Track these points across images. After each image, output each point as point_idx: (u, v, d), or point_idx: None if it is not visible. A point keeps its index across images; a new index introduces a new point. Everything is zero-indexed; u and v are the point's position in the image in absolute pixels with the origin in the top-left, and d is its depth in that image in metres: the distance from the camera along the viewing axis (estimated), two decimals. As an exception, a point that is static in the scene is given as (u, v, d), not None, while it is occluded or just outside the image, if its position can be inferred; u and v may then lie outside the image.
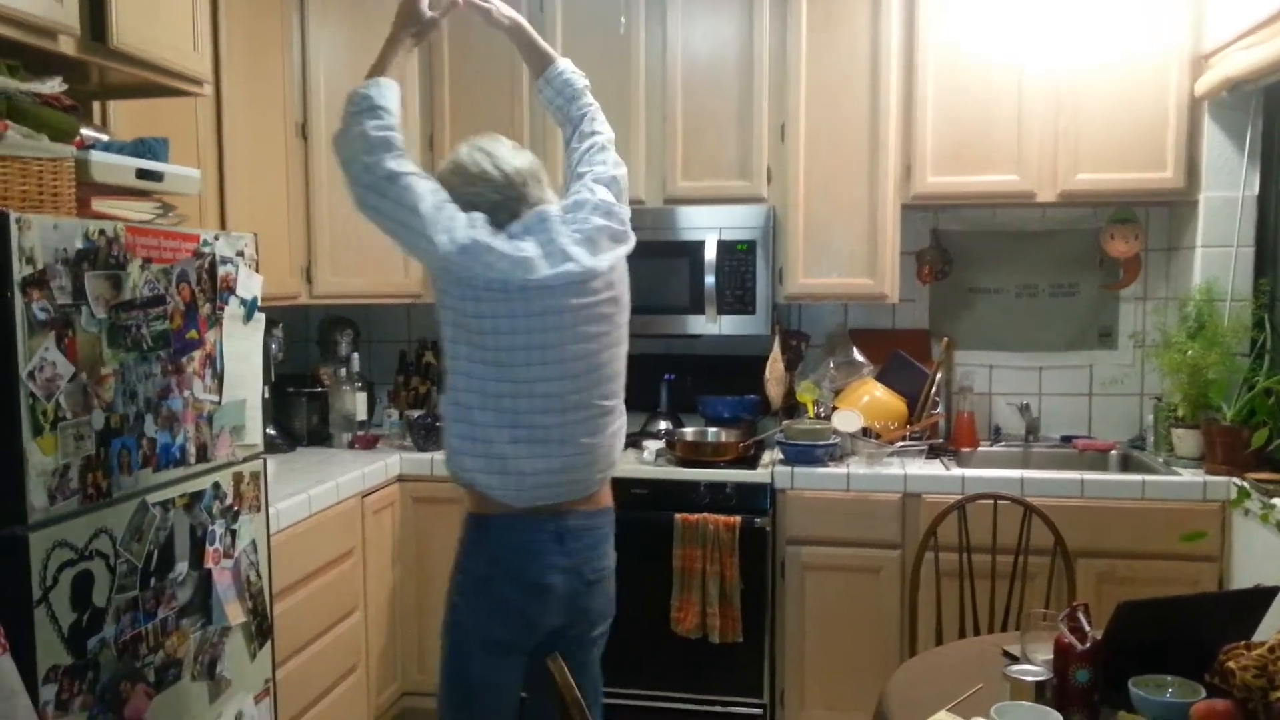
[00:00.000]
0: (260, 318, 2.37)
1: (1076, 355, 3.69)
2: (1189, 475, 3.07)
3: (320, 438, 3.68)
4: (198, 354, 2.13)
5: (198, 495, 2.14)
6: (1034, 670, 1.81)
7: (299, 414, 3.69)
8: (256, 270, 2.36)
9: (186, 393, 2.10)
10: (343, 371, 3.69)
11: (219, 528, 2.21)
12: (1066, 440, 3.63)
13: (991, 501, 2.82)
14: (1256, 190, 3.22)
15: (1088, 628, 1.76)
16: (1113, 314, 3.66)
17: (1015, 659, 2.05)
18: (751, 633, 3.19)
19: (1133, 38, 3.26)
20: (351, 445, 3.62)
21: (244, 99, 3.05)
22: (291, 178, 3.40)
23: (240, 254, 2.29)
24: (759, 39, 3.46)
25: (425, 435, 3.53)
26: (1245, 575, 2.90)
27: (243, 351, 2.31)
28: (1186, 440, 3.20)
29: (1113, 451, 3.52)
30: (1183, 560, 3.01)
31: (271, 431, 3.51)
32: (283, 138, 3.34)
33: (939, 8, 3.36)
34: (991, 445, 3.63)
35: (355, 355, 3.76)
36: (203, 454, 2.16)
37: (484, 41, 3.60)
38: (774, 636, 3.27)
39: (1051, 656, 1.87)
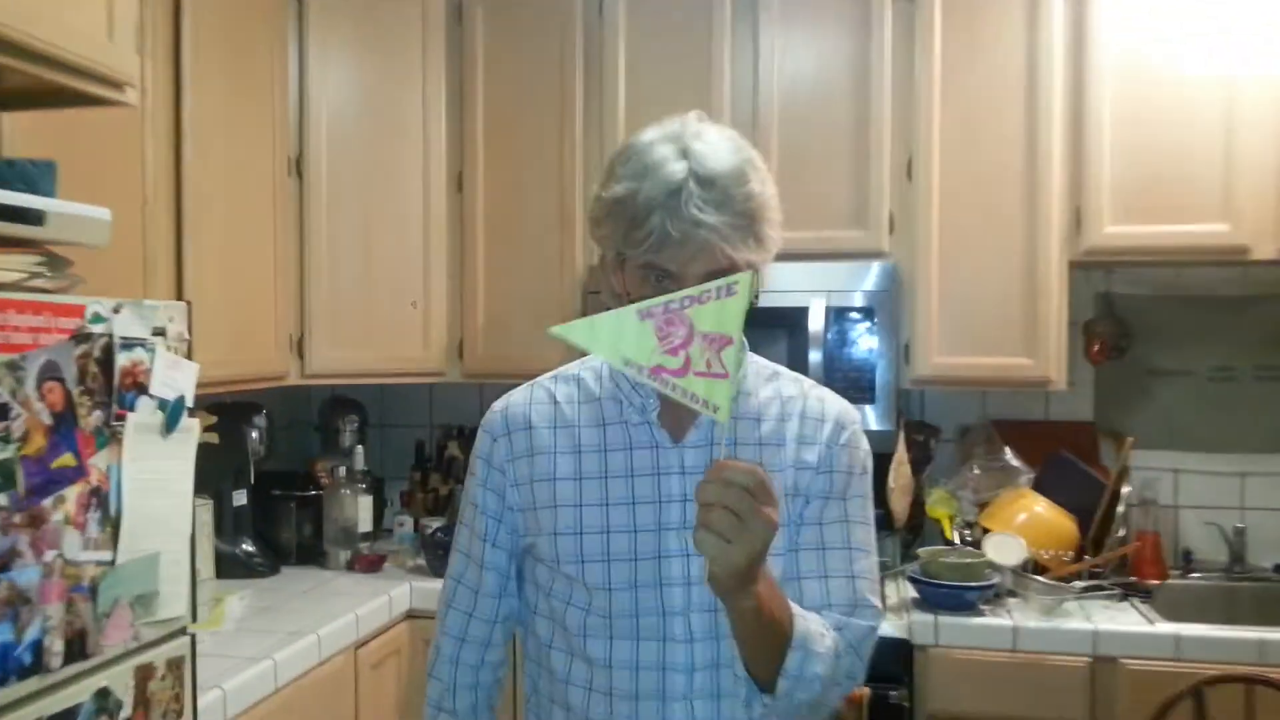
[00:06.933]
0: (192, 424, 1.61)
1: (1290, 458, 2.84)
2: None
3: (313, 554, 2.89)
4: (73, 492, 1.37)
5: (67, 714, 1.36)
6: None
7: (287, 524, 2.90)
8: (188, 355, 1.61)
9: (50, 555, 1.33)
10: (342, 470, 2.91)
11: (106, 759, 1.43)
12: (1282, 570, 2.76)
13: (1241, 686, 1.98)
14: None
15: None
16: (1339, 405, 2.81)
17: None
18: (882, 846, 2.33)
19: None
20: (350, 566, 2.82)
21: (215, 122, 2.33)
22: (281, 226, 2.65)
23: (159, 332, 1.53)
24: (878, 55, 2.70)
25: (443, 554, 2.71)
26: None
27: (161, 478, 1.54)
28: None
29: (1353, 589, 2.65)
30: None
31: (250, 548, 2.75)
32: (270, 175, 2.60)
33: (1117, 7, 2.59)
34: (1183, 576, 2.76)
35: (360, 448, 2.98)
36: (76, 649, 1.38)
37: (527, 58, 2.89)
38: None
39: None
